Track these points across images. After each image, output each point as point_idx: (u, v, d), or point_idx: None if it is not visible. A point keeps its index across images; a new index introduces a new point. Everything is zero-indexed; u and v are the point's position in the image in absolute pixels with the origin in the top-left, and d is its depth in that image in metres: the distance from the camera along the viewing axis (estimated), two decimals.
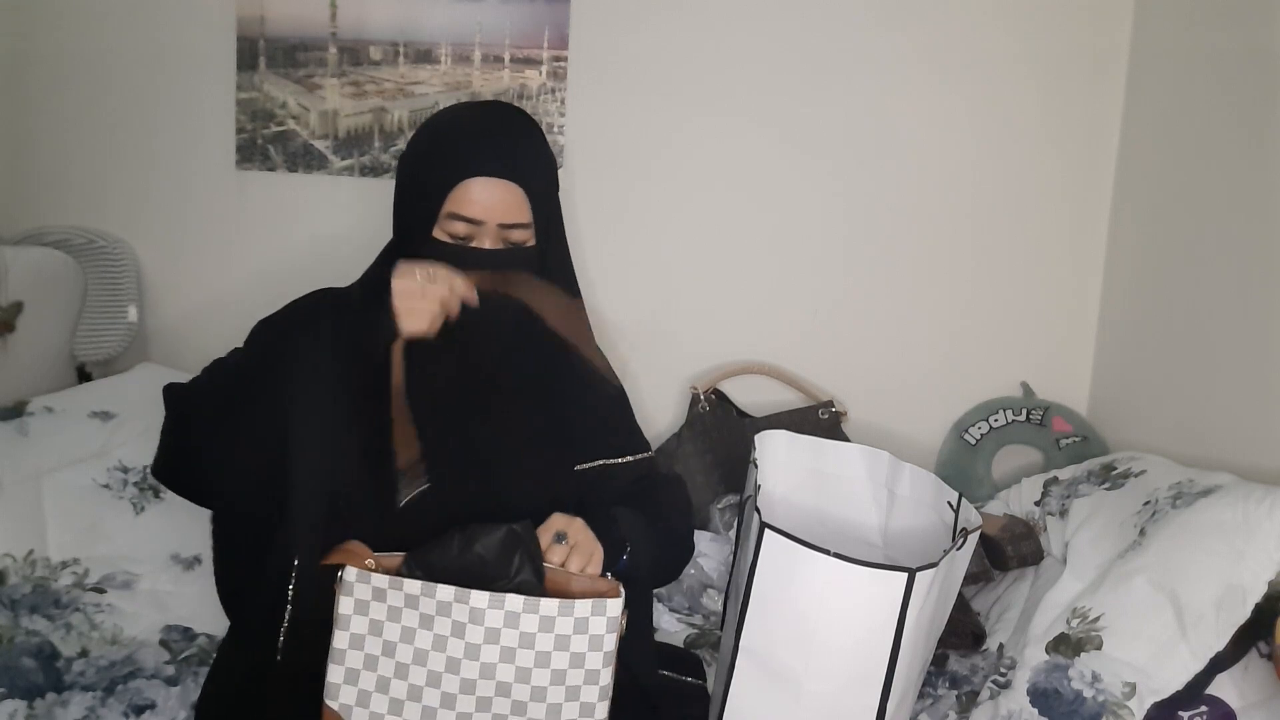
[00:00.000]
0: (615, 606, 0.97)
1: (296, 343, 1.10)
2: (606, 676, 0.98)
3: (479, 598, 0.95)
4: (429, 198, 1.11)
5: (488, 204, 1.09)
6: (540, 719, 0.97)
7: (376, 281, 1.11)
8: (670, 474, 1.45)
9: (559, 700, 0.97)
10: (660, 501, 1.24)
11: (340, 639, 0.97)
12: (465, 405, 1.15)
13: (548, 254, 1.17)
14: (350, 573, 0.97)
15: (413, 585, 0.96)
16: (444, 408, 1.13)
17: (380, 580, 0.97)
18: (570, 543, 1.04)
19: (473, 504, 1.08)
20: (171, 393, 1.17)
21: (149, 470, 1.14)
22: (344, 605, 0.97)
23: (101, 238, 1.90)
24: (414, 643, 0.96)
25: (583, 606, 0.96)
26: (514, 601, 0.96)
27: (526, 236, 1.13)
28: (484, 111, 1.21)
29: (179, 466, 1.15)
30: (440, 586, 0.96)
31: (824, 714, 1.10)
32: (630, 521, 1.14)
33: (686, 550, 1.30)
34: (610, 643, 0.97)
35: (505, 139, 1.13)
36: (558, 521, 1.06)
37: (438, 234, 1.11)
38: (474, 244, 1.11)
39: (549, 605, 0.96)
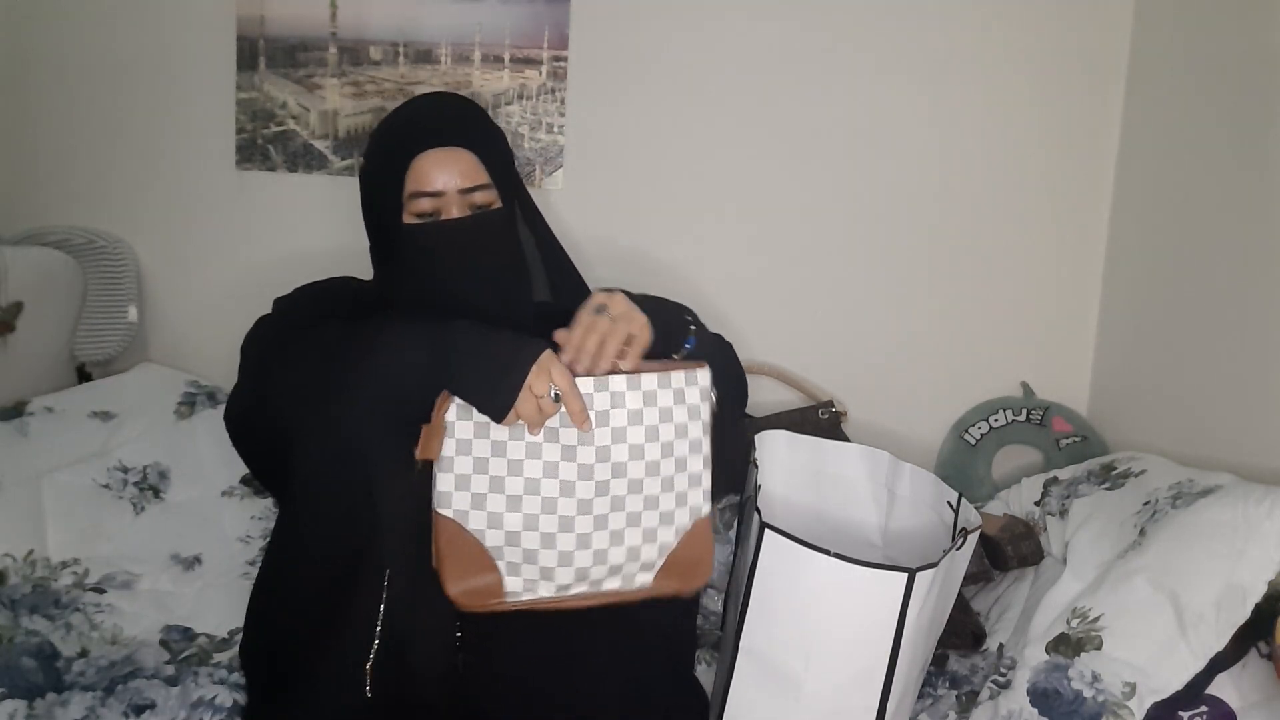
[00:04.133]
0: (705, 376, 1.01)
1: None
2: (707, 445, 1.01)
3: (584, 383, 0.97)
4: (389, 188, 1.13)
5: (443, 172, 1.12)
6: (656, 494, 0.99)
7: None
8: None
9: (670, 473, 0.99)
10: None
11: (448, 446, 0.96)
12: None
13: (521, 216, 1.21)
14: None
15: None
16: None
17: None
18: (612, 315, 1.02)
19: None
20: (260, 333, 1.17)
21: (223, 415, 1.16)
22: (449, 412, 0.97)
23: (101, 237, 1.90)
24: (525, 438, 0.96)
25: (678, 378, 1.00)
26: (617, 382, 0.98)
27: (490, 198, 1.16)
28: (421, 98, 1.25)
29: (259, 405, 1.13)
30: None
31: (824, 714, 1.10)
32: (691, 317, 1.18)
33: (744, 384, 1.31)
34: (706, 411, 1.01)
35: (442, 112, 1.19)
36: (598, 297, 1.05)
37: (407, 219, 1.14)
38: (443, 217, 1.13)
39: (649, 380, 0.99)
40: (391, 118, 1.21)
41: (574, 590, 0.98)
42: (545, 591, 0.99)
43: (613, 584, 0.99)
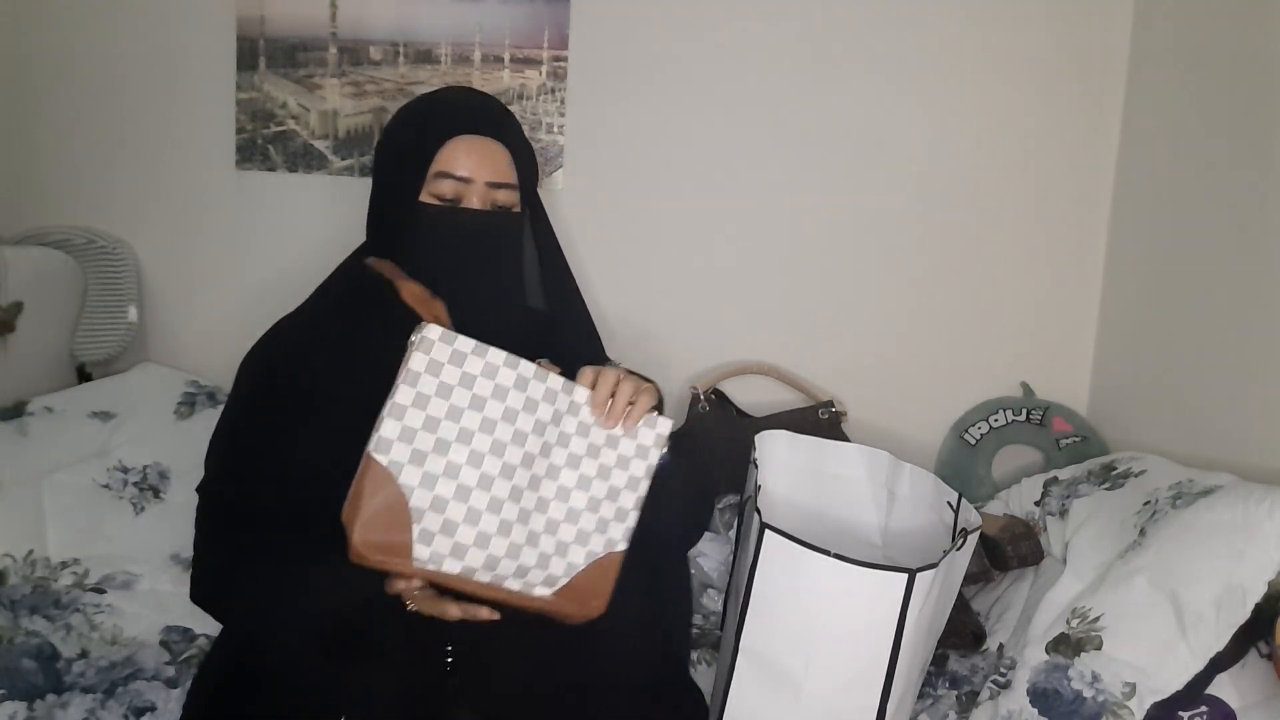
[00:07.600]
0: (665, 424, 1.02)
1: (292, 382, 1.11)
2: (643, 488, 1.01)
3: (555, 380, 0.99)
4: (416, 161, 1.12)
5: (476, 161, 1.12)
6: (579, 509, 0.99)
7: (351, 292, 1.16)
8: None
9: (599, 496, 1.00)
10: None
11: (405, 395, 0.93)
12: None
13: (535, 222, 1.20)
14: (433, 330, 0.95)
15: (497, 355, 0.97)
16: None
17: (465, 345, 0.96)
18: (621, 370, 1.04)
19: None
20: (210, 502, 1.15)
21: (189, 596, 1.14)
22: (416, 362, 0.94)
23: (101, 238, 1.90)
24: (483, 410, 0.95)
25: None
26: (581, 393, 1.00)
27: (512, 200, 1.15)
28: (465, 89, 1.25)
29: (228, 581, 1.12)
30: (523, 361, 0.97)
31: (824, 714, 1.10)
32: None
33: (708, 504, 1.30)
34: (654, 456, 1.01)
35: (488, 105, 1.19)
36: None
37: (425, 198, 1.12)
38: (463, 204, 1.12)
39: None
40: (431, 98, 1.19)
41: (476, 576, 0.95)
42: (450, 568, 0.94)
43: (514, 584, 0.97)
